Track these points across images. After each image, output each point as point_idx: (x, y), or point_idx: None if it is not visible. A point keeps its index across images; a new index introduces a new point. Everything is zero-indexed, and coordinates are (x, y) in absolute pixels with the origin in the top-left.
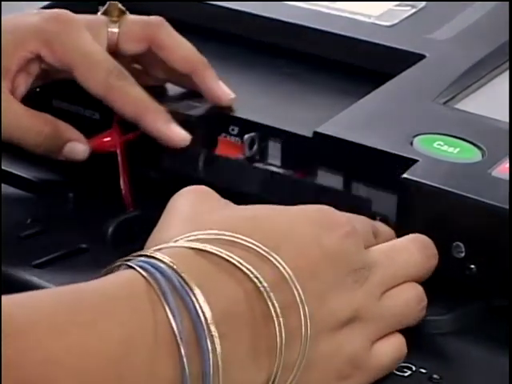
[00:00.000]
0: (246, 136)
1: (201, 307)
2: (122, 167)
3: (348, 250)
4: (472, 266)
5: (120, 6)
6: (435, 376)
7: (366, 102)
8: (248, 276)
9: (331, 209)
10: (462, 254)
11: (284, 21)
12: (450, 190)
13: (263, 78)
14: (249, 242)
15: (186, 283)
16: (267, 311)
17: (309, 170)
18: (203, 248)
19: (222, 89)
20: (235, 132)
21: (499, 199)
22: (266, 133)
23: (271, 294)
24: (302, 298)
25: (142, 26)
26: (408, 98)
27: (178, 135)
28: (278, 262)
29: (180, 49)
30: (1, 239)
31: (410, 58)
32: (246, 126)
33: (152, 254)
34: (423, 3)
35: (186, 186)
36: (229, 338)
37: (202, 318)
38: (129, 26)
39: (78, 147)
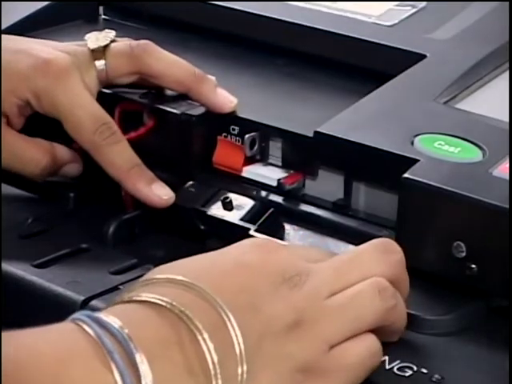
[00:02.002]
0: (247, 136)
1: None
2: None
3: (274, 263)
4: (473, 266)
5: (102, 35)
6: (436, 376)
7: (367, 101)
8: (170, 310)
9: (263, 239)
10: (463, 254)
11: (285, 21)
12: (450, 189)
13: (264, 77)
14: (176, 279)
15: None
16: (192, 334)
17: (309, 170)
18: (138, 298)
19: (221, 99)
20: (236, 132)
21: (500, 199)
22: (266, 132)
23: (193, 319)
24: (228, 314)
25: (128, 58)
26: (409, 97)
27: (159, 198)
28: (198, 287)
29: (171, 73)
30: (1, 239)
31: (410, 58)
32: (247, 125)
33: (101, 316)
34: (423, 3)
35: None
36: (162, 362)
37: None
38: (115, 60)
39: (73, 168)
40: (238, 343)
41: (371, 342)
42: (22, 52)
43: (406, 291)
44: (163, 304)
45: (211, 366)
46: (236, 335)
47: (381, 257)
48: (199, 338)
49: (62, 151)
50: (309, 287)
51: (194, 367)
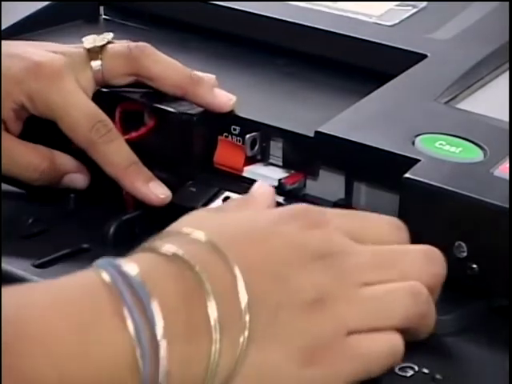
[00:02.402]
0: (248, 136)
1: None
2: None
3: (310, 238)
4: (474, 266)
5: (99, 37)
6: (438, 376)
7: (368, 101)
8: (188, 266)
9: (308, 206)
10: (464, 254)
11: (285, 20)
12: (451, 189)
13: (265, 77)
14: (200, 238)
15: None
16: (202, 296)
17: (310, 170)
18: (160, 249)
19: (219, 98)
20: (237, 132)
21: (501, 199)
22: (267, 132)
23: (205, 282)
24: (240, 280)
25: (125, 59)
26: (409, 97)
27: (156, 196)
28: (221, 252)
29: (167, 76)
30: (1, 239)
31: (411, 58)
32: (248, 125)
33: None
34: (424, 3)
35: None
36: (172, 314)
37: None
38: (112, 60)
39: (77, 179)
40: (245, 312)
41: (394, 342)
42: (15, 56)
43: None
44: (182, 258)
45: (213, 330)
46: (244, 296)
47: (425, 265)
48: (207, 301)
49: (64, 159)
50: (341, 269)
51: (199, 327)
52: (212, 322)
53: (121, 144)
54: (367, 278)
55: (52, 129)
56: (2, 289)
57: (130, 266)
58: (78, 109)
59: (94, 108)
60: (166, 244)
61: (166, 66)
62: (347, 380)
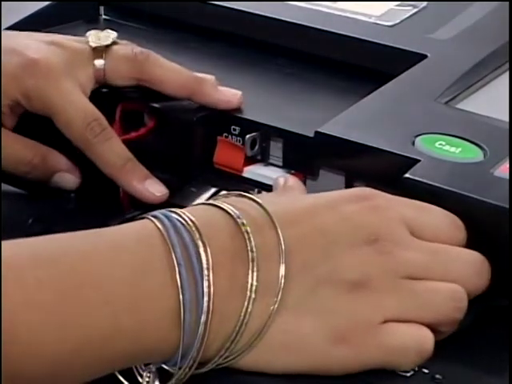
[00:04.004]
0: (248, 136)
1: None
2: None
3: (367, 220)
4: None
5: (104, 34)
6: (437, 376)
7: (368, 101)
8: (237, 223)
9: (373, 190)
10: None
11: (285, 21)
12: (452, 189)
13: (265, 78)
14: (257, 203)
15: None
16: (247, 253)
17: (310, 170)
18: (215, 203)
19: (225, 96)
20: (237, 132)
21: (501, 199)
22: (267, 133)
23: (252, 237)
24: (282, 241)
25: (129, 63)
26: (409, 97)
27: (153, 194)
28: (273, 222)
29: (173, 79)
30: (1, 239)
31: (411, 58)
32: (248, 125)
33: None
34: (424, 3)
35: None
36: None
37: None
38: (116, 62)
39: (67, 178)
40: (281, 279)
41: (425, 339)
42: (11, 51)
43: None
44: (233, 215)
45: (248, 291)
46: (282, 270)
47: (473, 275)
48: (250, 262)
49: (56, 157)
50: (390, 258)
51: (237, 285)
52: (250, 283)
53: (115, 142)
54: (414, 272)
55: (52, 126)
56: (53, 237)
57: (186, 216)
58: (73, 106)
59: (89, 106)
60: (225, 202)
61: (170, 70)
62: (369, 367)
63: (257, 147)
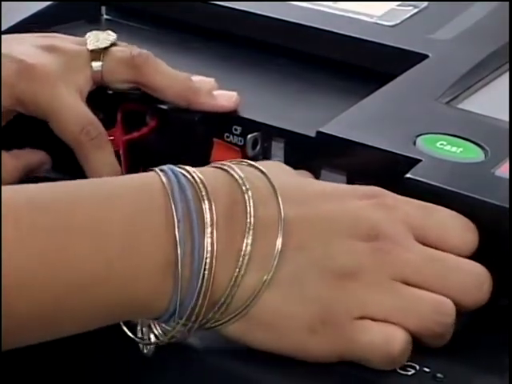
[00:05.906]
0: (249, 136)
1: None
2: (124, 166)
3: (368, 217)
4: None
5: (103, 36)
6: (439, 375)
7: (369, 101)
8: (241, 188)
9: (383, 189)
10: None
11: (286, 20)
12: (453, 189)
13: (266, 77)
14: (263, 174)
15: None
16: (244, 224)
17: (312, 170)
18: (221, 166)
19: (223, 100)
20: (238, 132)
21: (502, 199)
22: (269, 133)
23: (253, 209)
24: (281, 220)
25: (127, 66)
26: (411, 97)
27: None
28: (276, 202)
29: (166, 87)
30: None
31: (412, 58)
32: (249, 125)
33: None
34: (425, 3)
35: None
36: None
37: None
38: (114, 64)
39: (43, 168)
40: (276, 256)
41: (394, 340)
42: (7, 57)
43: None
44: (239, 181)
45: (241, 259)
46: (277, 248)
47: (471, 290)
48: (246, 232)
49: (29, 156)
50: (385, 257)
51: (231, 253)
52: (244, 250)
53: (108, 154)
54: (407, 276)
55: (47, 128)
56: (51, 184)
57: (194, 174)
58: (68, 111)
59: (85, 111)
60: (235, 169)
61: (166, 77)
62: (343, 359)
63: (258, 147)
